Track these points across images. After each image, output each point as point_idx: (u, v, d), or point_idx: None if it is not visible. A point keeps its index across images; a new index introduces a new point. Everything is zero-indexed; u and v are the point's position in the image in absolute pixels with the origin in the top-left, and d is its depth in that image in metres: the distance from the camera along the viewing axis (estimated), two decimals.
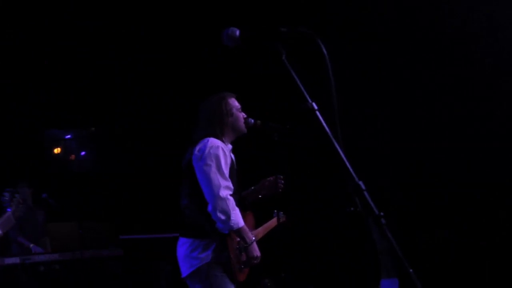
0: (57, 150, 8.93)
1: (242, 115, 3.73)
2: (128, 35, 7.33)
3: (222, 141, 3.57)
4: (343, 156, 1.75)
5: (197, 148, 3.49)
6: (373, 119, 6.77)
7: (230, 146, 3.67)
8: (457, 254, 6.30)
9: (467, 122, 6.17)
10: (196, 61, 7.47)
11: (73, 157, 9.01)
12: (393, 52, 6.44)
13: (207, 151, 3.43)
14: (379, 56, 6.56)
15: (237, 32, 2.10)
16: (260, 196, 3.91)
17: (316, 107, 1.85)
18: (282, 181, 3.85)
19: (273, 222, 4.09)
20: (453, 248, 6.34)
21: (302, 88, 1.85)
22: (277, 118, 3.95)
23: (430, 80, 6.40)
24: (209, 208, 3.37)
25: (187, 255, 3.46)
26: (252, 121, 3.75)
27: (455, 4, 6.05)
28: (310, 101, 1.87)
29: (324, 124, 1.79)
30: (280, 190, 3.83)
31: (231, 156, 3.62)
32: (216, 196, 3.34)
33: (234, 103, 3.73)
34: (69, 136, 9.01)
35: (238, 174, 3.65)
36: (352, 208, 1.74)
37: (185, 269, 3.49)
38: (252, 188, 3.90)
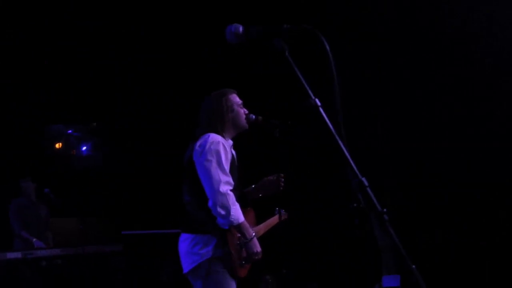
0: (58, 145, 8.94)
1: (243, 111, 3.73)
2: (128, 35, 7.33)
3: (223, 136, 3.57)
4: (346, 153, 1.76)
5: (198, 143, 3.50)
6: (373, 119, 6.77)
7: (230, 142, 3.67)
8: (457, 254, 6.30)
9: (467, 122, 6.18)
10: (196, 60, 7.47)
11: (74, 152, 9.02)
12: (393, 52, 6.44)
13: (207, 146, 3.44)
14: (379, 56, 6.57)
15: (241, 29, 2.10)
16: (260, 195, 3.90)
17: (319, 104, 1.85)
18: (283, 180, 3.82)
19: (274, 219, 4.07)
20: (453, 248, 6.34)
21: (306, 85, 1.86)
22: (277, 117, 3.94)
23: (430, 80, 6.40)
24: (210, 203, 3.38)
25: (188, 251, 3.47)
26: (254, 117, 3.74)
27: (455, 4, 6.05)
28: (313, 98, 1.88)
29: (328, 121, 1.80)
30: (281, 188, 3.81)
31: (232, 152, 3.62)
32: (216, 191, 3.35)
33: (235, 99, 3.74)
34: (70, 131, 9.01)
35: (239, 170, 3.65)
36: (355, 205, 1.75)
37: (186, 265, 3.50)
38: (253, 186, 3.88)
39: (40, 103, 8.08)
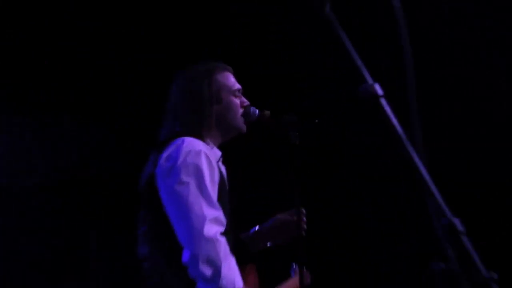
0: None
1: (240, 101, 2.43)
2: (128, 35, 7.21)
3: (205, 143, 2.28)
4: (426, 174, 0.96)
5: (165, 155, 2.20)
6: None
7: (218, 153, 2.35)
8: None
9: (467, 122, 6.03)
10: (196, 61, 7.33)
11: None
12: (393, 52, 6.30)
13: (181, 159, 2.15)
14: (379, 56, 6.43)
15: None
16: (269, 244, 2.43)
17: (381, 92, 1.15)
18: (305, 219, 2.35)
19: (292, 284, 2.44)
20: None
21: (357, 61, 1.09)
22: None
23: (430, 80, 6.28)
24: (185, 257, 2.02)
25: None
26: (257, 112, 2.46)
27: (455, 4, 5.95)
28: (371, 82, 1.11)
29: (394, 120, 1.17)
30: (303, 233, 2.31)
31: (220, 168, 2.29)
32: (197, 236, 2.00)
33: (227, 80, 2.46)
34: None
35: (231, 197, 2.29)
36: (442, 264, 1.05)
37: None
38: (256, 228, 2.40)
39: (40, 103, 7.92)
